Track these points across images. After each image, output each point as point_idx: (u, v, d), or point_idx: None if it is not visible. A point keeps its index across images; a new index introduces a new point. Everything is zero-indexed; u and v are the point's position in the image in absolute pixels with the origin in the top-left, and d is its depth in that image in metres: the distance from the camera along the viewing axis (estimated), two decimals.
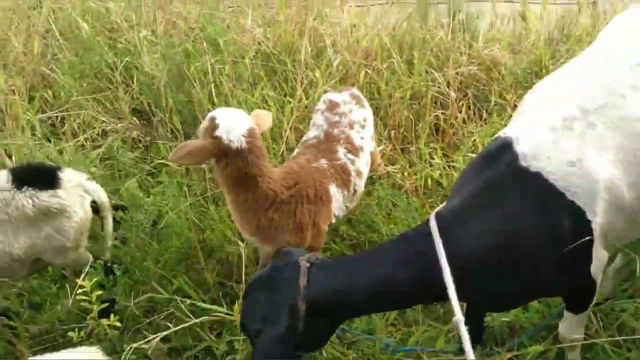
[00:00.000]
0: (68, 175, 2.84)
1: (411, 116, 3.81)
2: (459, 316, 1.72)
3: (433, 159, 3.54)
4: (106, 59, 4.71)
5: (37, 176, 2.76)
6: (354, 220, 3.35)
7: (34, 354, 2.88)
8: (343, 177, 2.80)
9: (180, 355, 2.95)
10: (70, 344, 2.96)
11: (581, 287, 2.07)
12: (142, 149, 4.24)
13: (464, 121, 3.92)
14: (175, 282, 3.08)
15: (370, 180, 3.45)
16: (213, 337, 2.89)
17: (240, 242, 3.15)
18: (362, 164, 2.93)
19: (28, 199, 2.67)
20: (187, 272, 3.15)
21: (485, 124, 3.91)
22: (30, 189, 2.69)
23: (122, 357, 2.79)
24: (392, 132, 3.79)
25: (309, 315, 1.85)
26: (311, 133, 3.04)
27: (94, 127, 4.19)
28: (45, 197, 2.70)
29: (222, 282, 3.22)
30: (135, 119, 4.51)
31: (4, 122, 4.08)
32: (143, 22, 5.06)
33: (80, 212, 2.82)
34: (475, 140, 3.66)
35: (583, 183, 1.88)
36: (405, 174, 3.43)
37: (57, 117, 4.30)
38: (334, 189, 2.74)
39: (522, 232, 1.88)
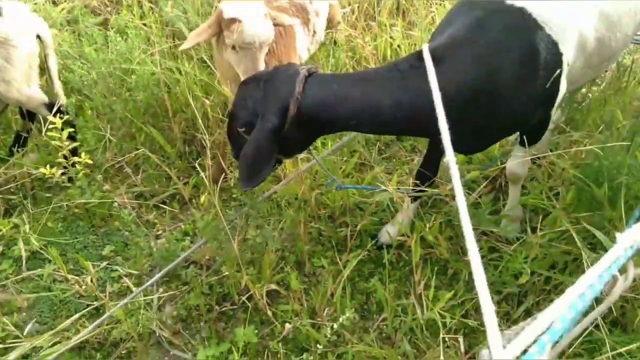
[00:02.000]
0: (11, 5, 2.80)
1: None
2: (450, 157, 1.63)
3: (393, 31, 3.68)
4: None
5: None
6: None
7: (5, 193, 3.01)
8: (303, 15, 2.91)
9: (147, 200, 3.13)
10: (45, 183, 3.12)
11: (540, 120, 2.25)
12: (102, 17, 4.19)
13: (425, 4, 4.06)
14: (144, 132, 3.21)
15: (331, 43, 3.60)
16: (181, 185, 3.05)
17: (205, 99, 3.28)
18: (321, 5, 3.04)
19: None
20: (154, 126, 3.26)
21: (444, 7, 4.06)
22: None
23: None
24: (356, 6, 3.89)
25: (296, 118, 1.99)
26: None
27: None
28: None
29: (187, 137, 3.36)
30: None
31: None
32: None
33: (27, 44, 2.80)
34: (434, 17, 3.82)
35: (560, 20, 2.05)
36: (367, 39, 3.57)
37: None
38: (297, 27, 2.85)
39: (506, 62, 2.01)
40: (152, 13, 3.86)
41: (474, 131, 2.15)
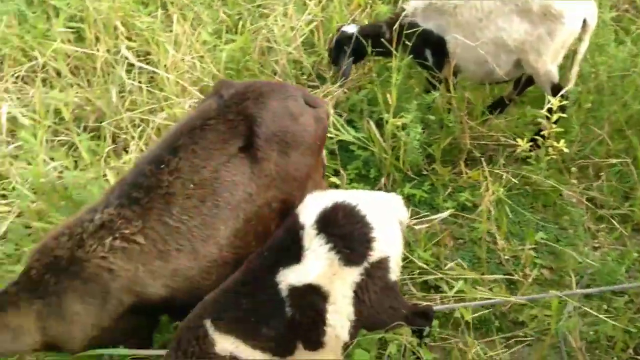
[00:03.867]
0: None
1: None
2: None
3: None
4: None
5: None
6: None
7: (472, 146, 3.30)
8: None
9: (597, 208, 2.98)
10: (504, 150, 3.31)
11: None
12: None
13: None
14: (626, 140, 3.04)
15: None
16: None
17: None
18: None
19: None
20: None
21: None
22: None
23: None
24: None
25: None
26: None
27: None
28: None
29: None
30: None
31: None
32: None
33: (573, 25, 2.91)
34: None
35: None
36: None
37: None
38: None
39: None
40: None
41: None
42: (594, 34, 3.41)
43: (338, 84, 3.50)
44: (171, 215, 1.91)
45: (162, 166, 1.96)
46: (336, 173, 3.13)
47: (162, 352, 2.00)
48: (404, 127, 3.09)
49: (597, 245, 2.82)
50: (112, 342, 1.95)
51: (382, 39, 3.22)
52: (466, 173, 3.16)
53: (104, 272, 1.84)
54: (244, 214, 2.03)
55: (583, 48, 3.04)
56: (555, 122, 2.94)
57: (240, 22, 3.97)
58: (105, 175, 2.89)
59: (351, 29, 3.35)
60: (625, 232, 2.83)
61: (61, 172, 3.04)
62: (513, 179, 3.01)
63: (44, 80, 3.71)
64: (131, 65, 3.64)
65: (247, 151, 2.06)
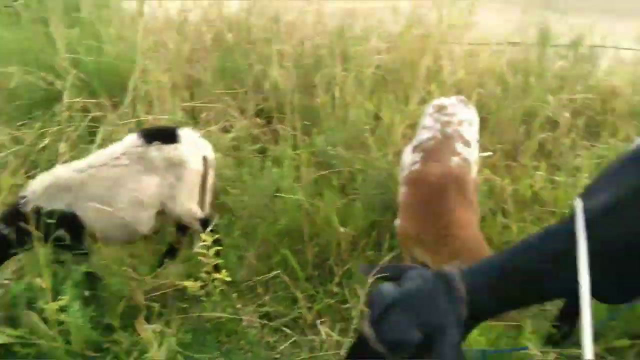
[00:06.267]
0: (186, 133, 3.33)
1: (520, 134, 3.88)
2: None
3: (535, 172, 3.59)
4: (242, 65, 5.27)
5: (162, 134, 3.27)
6: None
7: (148, 300, 3.28)
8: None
9: (272, 320, 3.22)
10: (183, 294, 3.37)
11: None
12: (260, 145, 4.65)
13: (571, 147, 3.94)
14: (280, 254, 3.40)
15: None
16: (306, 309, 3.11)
17: (342, 228, 3.40)
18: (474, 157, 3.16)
19: (156, 152, 3.17)
20: (290, 248, 3.43)
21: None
22: (158, 143, 3.19)
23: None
24: (498, 146, 3.89)
25: (468, 318, 1.85)
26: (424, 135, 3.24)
27: (226, 120, 4.69)
28: (168, 150, 3.19)
29: (320, 263, 3.47)
30: (258, 119, 4.97)
31: (152, 107, 4.71)
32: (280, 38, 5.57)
33: (195, 164, 3.27)
34: (581, 161, 3.68)
35: None
36: (506, 181, 3.49)
37: (195, 107, 4.88)
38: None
39: None
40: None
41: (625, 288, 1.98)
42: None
43: None
44: None
45: None
46: None
47: None
48: (63, 309, 2.89)
49: (277, 357, 2.99)
50: None
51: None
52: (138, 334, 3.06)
53: None
54: None
55: (209, 179, 3.41)
56: (217, 255, 3.14)
57: None
58: None
59: None
60: (295, 336, 3.08)
61: None
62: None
63: None
64: None
65: None
